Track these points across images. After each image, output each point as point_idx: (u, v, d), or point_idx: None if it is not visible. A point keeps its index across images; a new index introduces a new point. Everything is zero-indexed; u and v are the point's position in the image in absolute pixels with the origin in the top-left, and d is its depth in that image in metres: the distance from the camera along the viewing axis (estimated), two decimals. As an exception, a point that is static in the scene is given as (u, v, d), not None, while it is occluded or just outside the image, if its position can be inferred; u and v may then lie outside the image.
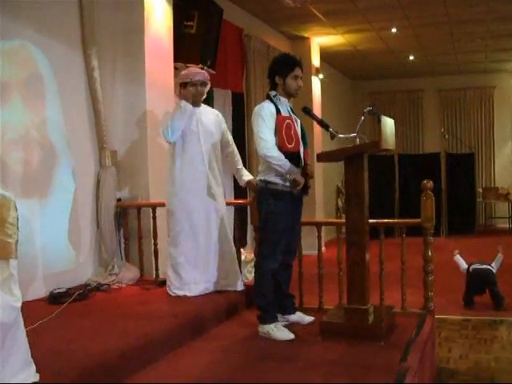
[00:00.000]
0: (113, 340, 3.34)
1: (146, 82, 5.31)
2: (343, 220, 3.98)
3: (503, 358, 4.48)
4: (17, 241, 2.52)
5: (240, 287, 4.65)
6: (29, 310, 3.31)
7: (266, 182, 3.90)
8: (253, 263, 5.12)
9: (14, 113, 4.39)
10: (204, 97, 4.68)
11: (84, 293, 4.45)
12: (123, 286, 4.90)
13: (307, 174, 3.96)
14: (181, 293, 4.52)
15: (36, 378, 2.63)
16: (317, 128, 8.52)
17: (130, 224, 5.33)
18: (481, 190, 12.56)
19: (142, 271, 5.25)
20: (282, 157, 3.79)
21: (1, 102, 4.24)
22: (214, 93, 7.15)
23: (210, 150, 4.62)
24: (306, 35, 9.45)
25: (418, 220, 4.21)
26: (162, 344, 3.49)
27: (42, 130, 4.67)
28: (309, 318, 4.16)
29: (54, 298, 4.32)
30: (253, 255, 5.81)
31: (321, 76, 9.96)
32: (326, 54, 10.41)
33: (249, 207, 5.94)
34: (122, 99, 5.38)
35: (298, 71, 3.95)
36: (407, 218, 4.82)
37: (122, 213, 5.33)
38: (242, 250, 5.43)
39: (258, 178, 3.99)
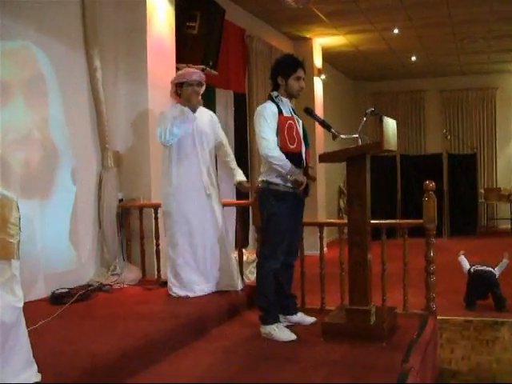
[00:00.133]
0: (114, 340, 3.34)
1: (148, 83, 5.32)
2: (345, 220, 3.97)
3: (505, 359, 4.47)
4: (19, 241, 2.52)
5: (240, 286, 4.65)
6: (31, 310, 3.31)
7: (268, 183, 3.90)
8: (255, 264, 5.14)
9: (15, 113, 4.39)
10: (200, 97, 4.67)
11: (86, 293, 4.46)
12: (125, 286, 4.90)
13: (309, 175, 3.96)
14: (182, 293, 4.53)
15: (38, 378, 2.64)
16: (319, 129, 8.50)
17: (131, 224, 5.34)
18: (483, 191, 12.54)
19: (143, 272, 5.25)
20: (283, 157, 3.78)
21: (3, 102, 4.24)
22: (216, 93, 7.16)
23: (205, 151, 4.63)
24: (308, 36, 9.45)
25: (420, 221, 4.20)
26: (163, 344, 3.49)
27: (43, 130, 4.67)
28: (310, 319, 4.16)
29: (56, 299, 4.33)
30: (255, 256, 5.81)
31: (323, 77, 9.96)
32: (328, 55, 10.41)
33: (251, 208, 5.96)
34: (124, 99, 5.39)
35: (300, 72, 3.95)
36: (409, 219, 4.82)
37: (124, 213, 5.34)
38: (243, 250, 5.43)
39: (260, 179, 3.99)
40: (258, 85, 8.04)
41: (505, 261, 5.91)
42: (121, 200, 5.32)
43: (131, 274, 5.09)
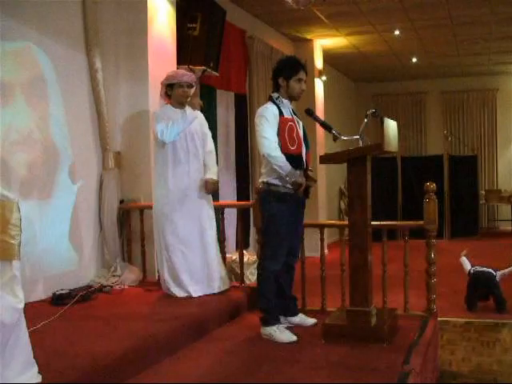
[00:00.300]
0: (115, 341, 3.34)
1: (149, 84, 5.31)
2: (346, 222, 3.98)
3: (506, 361, 4.47)
4: (20, 242, 2.52)
5: (218, 289, 4.65)
6: (31, 311, 3.32)
7: (269, 184, 3.90)
8: (255, 265, 5.14)
9: (17, 114, 4.39)
10: (189, 98, 4.68)
11: (87, 294, 4.46)
12: (126, 287, 4.91)
13: (309, 177, 3.96)
14: (182, 294, 4.53)
15: (38, 378, 2.64)
16: (319, 130, 8.51)
17: (132, 225, 5.34)
18: (483, 193, 12.53)
19: (144, 272, 5.25)
20: (284, 158, 3.79)
21: (3, 103, 4.24)
22: (216, 94, 7.16)
23: (196, 152, 4.64)
24: (309, 37, 9.44)
25: (421, 222, 4.21)
26: (164, 345, 3.50)
27: (44, 131, 4.67)
28: (311, 320, 4.17)
29: (57, 300, 4.33)
30: (255, 257, 5.82)
31: (324, 78, 9.96)
32: (329, 56, 10.41)
33: (251, 209, 5.96)
34: (125, 100, 5.39)
35: (302, 74, 3.96)
36: (410, 221, 4.82)
37: (125, 214, 5.34)
38: (244, 251, 5.43)
39: (261, 180, 4.00)
40: (259, 86, 8.04)
41: None
42: (121, 201, 5.32)
43: (132, 274, 5.09)
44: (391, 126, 3.78)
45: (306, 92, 4.18)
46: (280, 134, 3.83)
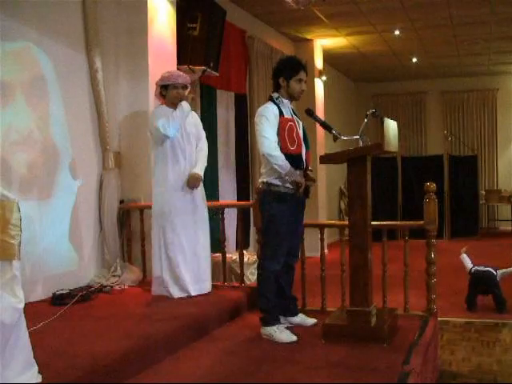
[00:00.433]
0: (115, 341, 3.34)
1: (149, 84, 5.31)
2: (346, 222, 3.98)
3: (506, 361, 4.47)
4: (20, 242, 2.52)
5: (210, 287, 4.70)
6: (31, 311, 3.32)
7: (269, 184, 3.90)
8: (255, 265, 5.14)
9: (17, 114, 4.39)
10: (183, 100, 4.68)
11: (87, 294, 4.46)
12: (126, 287, 4.91)
13: (308, 177, 3.96)
14: (181, 294, 4.53)
15: (38, 378, 2.64)
16: (319, 130, 8.52)
17: (132, 225, 5.34)
18: (483, 193, 12.54)
19: (144, 272, 5.25)
20: (284, 158, 3.79)
21: (4, 103, 4.25)
22: (216, 94, 7.16)
23: (192, 152, 4.65)
24: (309, 37, 9.45)
25: (421, 222, 4.21)
26: (164, 345, 3.50)
27: (44, 131, 4.68)
28: (311, 320, 4.16)
29: (57, 300, 4.33)
30: (255, 257, 5.82)
31: (324, 78, 9.97)
32: (329, 56, 10.41)
33: (251, 209, 5.96)
34: (125, 100, 5.39)
35: (302, 75, 3.96)
36: (410, 221, 4.82)
37: (125, 214, 5.34)
38: (244, 251, 5.43)
39: (260, 180, 3.99)
40: (259, 86, 8.05)
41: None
42: (121, 201, 5.32)
43: (132, 274, 5.09)
44: (391, 125, 3.78)
45: (306, 92, 4.18)
46: (280, 133, 3.83)
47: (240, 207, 5.34)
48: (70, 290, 4.53)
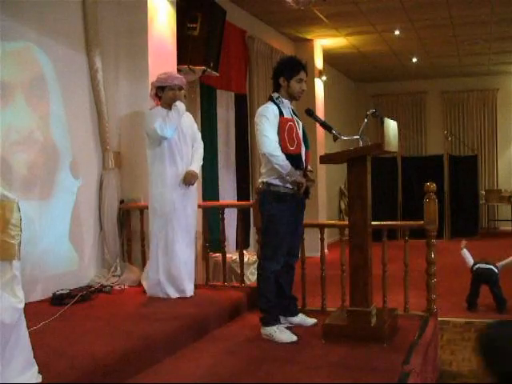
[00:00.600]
0: (115, 341, 3.34)
1: (149, 84, 5.29)
2: (346, 222, 3.98)
3: (506, 361, 4.46)
4: (20, 242, 2.53)
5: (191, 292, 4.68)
6: (32, 311, 3.32)
7: (268, 184, 3.90)
8: (255, 265, 5.14)
9: (17, 114, 4.40)
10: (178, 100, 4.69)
11: (87, 294, 4.46)
12: (126, 287, 4.91)
13: (308, 177, 3.96)
14: (177, 295, 4.53)
15: (38, 378, 2.64)
16: (319, 130, 8.51)
17: (132, 225, 5.34)
18: (484, 193, 12.55)
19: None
20: (285, 158, 3.79)
21: (4, 103, 4.25)
22: (217, 94, 7.16)
23: (188, 151, 4.66)
24: (309, 37, 9.46)
25: (421, 222, 4.21)
26: (164, 345, 3.50)
27: (44, 131, 4.68)
28: (311, 320, 4.16)
29: (57, 300, 4.33)
30: (255, 257, 5.82)
31: (324, 78, 9.97)
32: (329, 56, 10.41)
33: (251, 209, 5.96)
34: (125, 100, 5.39)
35: (302, 75, 3.97)
36: (410, 221, 4.82)
37: (125, 214, 5.34)
38: (244, 251, 5.44)
39: (260, 180, 4.00)
40: (259, 86, 8.05)
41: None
42: (121, 201, 5.32)
43: (132, 274, 5.09)
44: (391, 125, 3.78)
45: (306, 92, 4.18)
46: (279, 133, 3.84)
47: (240, 207, 5.34)
48: (70, 290, 4.53)
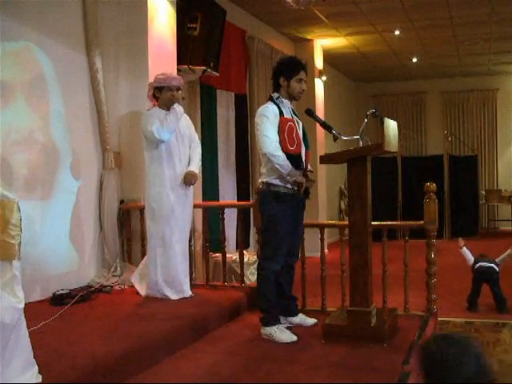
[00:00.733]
0: (115, 341, 3.34)
1: (149, 84, 5.32)
2: (346, 222, 3.98)
3: (506, 361, 4.46)
4: (20, 242, 2.53)
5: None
6: (32, 311, 3.32)
7: (268, 184, 3.90)
8: (255, 265, 5.14)
9: (17, 114, 4.40)
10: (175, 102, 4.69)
11: (87, 294, 4.46)
12: (126, 287, 4.90)
13: (308, 178, 3.96)
14: (176, 296, 4.53)
15: (38, 378, 2.64)
16: (319, 130, 8.51)
17: (132, 225, 5.34)
18: (484, 193, 12.55)
19: (144, 273, 5.25)
20: (285, 158, 3.79)
21: (4, 103, 4.25)
22: (216, 94, 7.16)
23: (186, 152, 4.67)
24: (309, 37, 9.45)
25: (421, 222, 4.21)
26: (164, 345, 3.50)
27: (45, 131, 4.68)
28: (311, 320, 4.17)
29: (57, 300, 4.33)
30: (255, 257, 5.82)
31: (324, 78, 9.97)
32: (329, 56, 10.42)
33: (251, 209, 5.96)
34: (125, 100, 5.39)
35: (302, 75, 3.97)
36: (410, 221, 4.82)
37: (125, 214, 5.34)
38: (244, 251, 5.44)
39: (260, 180, 4.00)
40: (259, 86, 8.05)
41: (510, 251, 5.92)
42: (121, 201, 5.32)
43: (132, 274, 5.09)
44: (391, 125, 3.78)
45: (306, 92, 4.19)
46: (280, 133, 3.84)
47: (240, 207, 5.34)
48: (70, 290, 4.53)
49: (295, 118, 4.04)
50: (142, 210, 5.21)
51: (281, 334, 3.79)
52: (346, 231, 4.05)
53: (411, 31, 8.99)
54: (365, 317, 3.68)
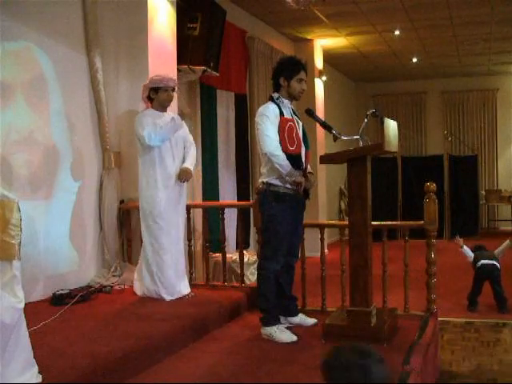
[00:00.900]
0: (115, 341, 3.34)
1: (149, 84, 5.31)
2: (346, 222, 3.97)
3: (506, 361, 4.47)
4: (20, 242, 2.53)
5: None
6: (32, 311, 3.33)
7: (268, 184, 3.90)
8: (255, 265, 5.14)
9: (17, 114, 4.39)
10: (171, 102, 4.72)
11: (87, 294, 4.46)
12: (126, 287, 4.90)
13: (307, 178, 3.96)
14: (170, 297, 4.52)
15: (38, 378, 2.64)
16: (319, 130, 8.52)
17: (132, 225, 5.33)
18: (484, 193, 12.55)
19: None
20: (285, 157, 3.79)
21: (4, 103, 4.25)
22: (216, 94, 7.16)
23: (180, 154, 4.66)
24: (309, 37, 9.46)
25: (421, 222, 4.20)
26: (164, 345, 3.50)
27: (45, 131, 4.68)
28: (311, 320, 4.17)
29: (57, 300, 4.33)
30: (255, 257, 5.82)
31: (324, 78, 9.97)
32: (329, 56, 10.42)
33: (251, 209, 5.96)
34: (126, 101, 5.39)
35: (303, 74, 3.97)
36: (410, 221, 4.82)
37: (125, 214, 5.34)
38: (244, 251, 5.43)
39: (260, 180, 4.00)
40: (259, 86, 8.05)
41: (508, 242, 5.93)
42: (121, 201, 5.32)
43: (132, 274, 5.07)
44: (391, 125, 3.77)
45: (306, 92, 4.18)
46: (279, 133, 3.84)
47: (240, 207, 5.33)
48: (70, 290, 4.53)
49: (295, 118, 4.04)
50: (141, 209, 5.22)
51: (281, 333, 3.79)
52: (346, 231, 4.05)
53: (411, 31, 9.00)
54: (365, 317, 3.67)
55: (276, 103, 3.94)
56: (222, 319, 4.23)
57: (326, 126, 4.01)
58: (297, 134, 3.94)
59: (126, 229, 5.35)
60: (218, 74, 6.38)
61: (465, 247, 6.03)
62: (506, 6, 7.75)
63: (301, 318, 4.17)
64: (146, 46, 5.31)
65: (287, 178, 3.81)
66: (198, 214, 6.06)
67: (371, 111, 3.89)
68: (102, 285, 4.81)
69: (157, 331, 3.59)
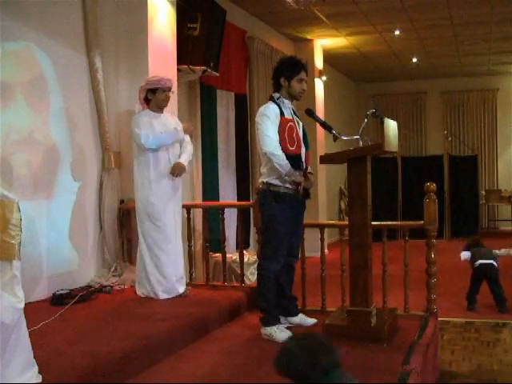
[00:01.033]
0: (115, 341, 3.34)
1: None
2: (346, 222, 3.97)
3: (506, 361, 4.47)
4: (20, 242, 2.53)
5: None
6: (32, 311, 3.32)
7: (268, 184, 3.90)
8: (255, 265, 5.14)
9: (17, 114, 4.39)
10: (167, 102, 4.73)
11: (87, 294, 4.46)
12: (126, 287, 4.90)
13: (307, 178, 3.96)
14: (166, 296, 4.52)
15: (39, 378, 2.64)
16: (319, 130, 8.52)
17: (132, 225, 5.33)
18: (484, 193, 12.55)
19: (144, 273, 5.24)
20: (285, 157, 3.79)
21: (4, 103, 4.25)
22: (216, 94, 7.16)
23: (174, 154, 4.67)
24: (309, 37, 9.46)
25: (421, 222, 4.20)
26: (164, 345, 3.50)
27: (45, 131, 4.68)
28: (311, 320, 4.16)
29: (57, 299, 4.33)
30: (255, 257, 5.82)
31: (324, 78, 9.97)
32: (329, 56, 10.42)
33: (251, 209, 5.96)
34: (126, 101, 5.39)
35: (303, 75, 3.97)
36: (410, 221, 4.82)
37: (125, 214, 5.34)
38: (244, 251, 5.43)
39: (260, 180, 3.99)
40: (259, 86, 8.05)
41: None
42: (121, 201, 5.32)
43: (132, 274, 5.08)
44: (391, 125, 3.77)
45: (306, 92, 4.18)
46: (280, 133, 3.84)
47: (240, 207, 5.34)
48: (70, 290, 4.53)
49: (296, 118, 4.03)
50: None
51: (281, 333, 3.78)
52: (346, 231, 4.05)
53: (411, 31, 9.00)
54: (365, 317, 3.67)
55: (276, 103, 3.94)
56: (222, 319, 4.23)
57: (326, 126, 4.01)
58: (297, 134, 3.93)
59: (126, 229, 5.35)
60: (217, 74, 6.39)
61: (462, 253, 6.02)
62: (506, 6, 7.75)
63: (301, 318, 4.17)
64: (146, 46, 5.31)
65: (287, 177, 3.81)
66: (198, 214, 6.07)
67: (371, 111, 3.89)
68: (102, 285, 4.81)
69: (157, 331, 3.59)
